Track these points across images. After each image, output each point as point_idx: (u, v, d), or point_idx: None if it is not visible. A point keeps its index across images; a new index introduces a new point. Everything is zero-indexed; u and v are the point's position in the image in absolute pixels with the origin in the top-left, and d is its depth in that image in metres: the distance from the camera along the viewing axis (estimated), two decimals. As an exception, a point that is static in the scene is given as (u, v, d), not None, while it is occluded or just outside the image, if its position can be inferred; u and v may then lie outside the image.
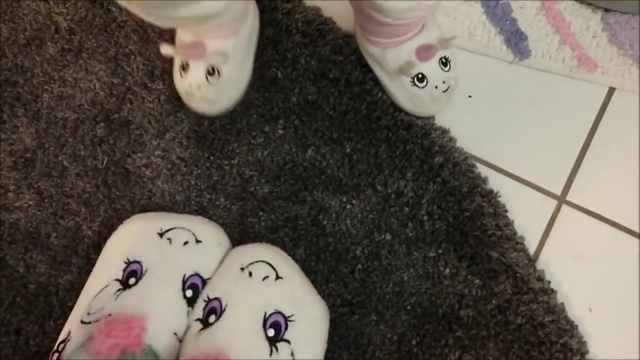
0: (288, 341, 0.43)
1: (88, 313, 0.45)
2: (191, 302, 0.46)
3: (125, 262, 0.46)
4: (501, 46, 0.54)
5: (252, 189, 0.52)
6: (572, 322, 0.47)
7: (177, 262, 0.47)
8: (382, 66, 0.50)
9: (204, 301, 0.45)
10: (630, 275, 0.48)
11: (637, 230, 0.49)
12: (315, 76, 0.53)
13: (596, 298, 0.48)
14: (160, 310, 0.44)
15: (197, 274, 0.47)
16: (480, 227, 0.49)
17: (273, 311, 0.44)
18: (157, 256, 0.47)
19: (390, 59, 0.49)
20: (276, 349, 0.43)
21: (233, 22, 0.48)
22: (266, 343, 0.43)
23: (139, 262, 0.46)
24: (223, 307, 0.44)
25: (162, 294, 0.45)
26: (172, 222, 0.49)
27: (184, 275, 0.46)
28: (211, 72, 0.49)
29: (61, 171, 0.54)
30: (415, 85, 0.49)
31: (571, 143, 0.52)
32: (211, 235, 0.49)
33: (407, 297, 0.48)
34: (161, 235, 0.48)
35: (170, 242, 0.47)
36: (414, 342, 0.47)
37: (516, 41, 0.53)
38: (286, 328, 0.44)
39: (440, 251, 0.49)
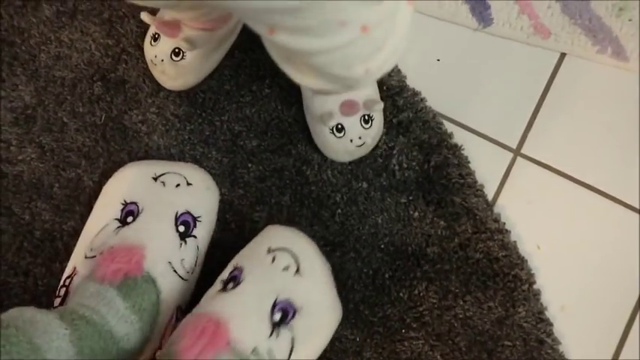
0: (291, 330, 0.46)
1: (91, 249, 0.49)
2: (183, 236, 0.50)
3: (122, 204, 0.51)
4: (467, 14, 0.59)
5: (242, 143, 0.57)
6: (523, 257, 0.54)
7: (170, 201, 0.51)
8: (308, 107, 0.53)
9: (233, 266, 0.49)
10: (574, 218, 0.56)
11: (581, 179, 0.56)
12: (299, 39, 0.58)
13: (544, 237, 0.55)
14: (156, 241, 0.49)
15: (188, 212, 0.51)
16: (446, 176, 0.55)
17: (284, 299, 0.46)
18: (151, 197, 0.51)
19: (316, 104, 0.52)
20: (277, 334, 0.45)
21: (210, 22, 0.52)
22: (268, 325, 0.45)
23: (135, 203, 0.50)
24: (242, 279, 0.47)
25: (158, 227, 0.49)
26: (165, 168, 0.53)
27: (177, 212, 0.50)
28: (177, 52, 0.54)
29: (61, 126, 0.57)
30: (333, 133, 0.52)
31: (526, 102, 0.58)
32: (200, 179, 0.54)
33: (381, 237, 0.54)
34: (155, 179, 0.52)
35: (164, 185, 0.52)
36: (386, 276, 0.53)
37: (480, 10, 0.59)
38: (293, 317, 0.46)
39: (410, 197, 0.55)
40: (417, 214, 0.55)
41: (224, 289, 0.47)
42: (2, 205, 0.55)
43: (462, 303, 0.53)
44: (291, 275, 0.47)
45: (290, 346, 0.46)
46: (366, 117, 0.52)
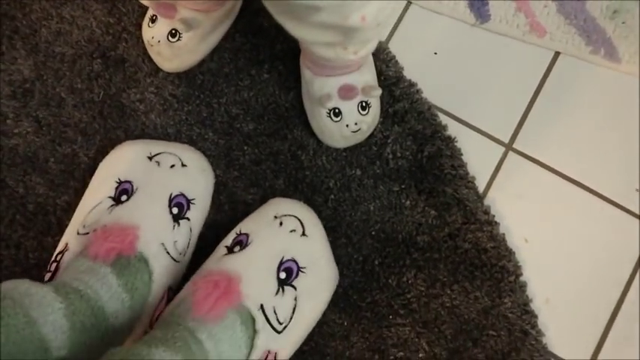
0: (294, 287, 0.48)
1: (84, 226, 0.49)
2: (176, 218, 0.50)
3: (117, 182, 0.51)
4: (465, 10, 0.60)
5: (238, 125, 0.57)
6: (511, 249, 0.55)
7: (165, 182, 0.51)
8: (308, 90, 0.54)
9: (236, 233, 0.50)
10: (561, 213, 0.57)
11: (570, 175, 0.57)
12: (299, 26, 0.58)
13: (532, 231, 0.56)
14: (150, 222, 0.49)
15: (182, 194, 0.51)
16: (438, 167, 0.56)
17: (289, 258, 0.48)
18: (146, 176, 0.51)
19: (315, 86, 0.52)
20: (283, 291, 0.47)
21: (205, 3, 0.53)
22: (275, 282, 0.47)
23: (130, 182, 0.51)
24: (249, 242, 0.49)
25: (152, 208, 0.50)
26: (161, 147, 0.53)
27: (171, 194, 0.51)
28: (174, 33, 0.54)
29: (59, 102, 0.58)
30: (330, 117, 0.53)
31: (520, 98, 0.59)
32: (196, 161, 0.54)
33: (372, 224, 0.55)
34: (150, 158, 0.52)
35: (158, 165, 0.52)
36: (376, 262, 0.54)
37: (478, 6, 0.60)
38: (297, 276, 0.48)
39: (402, 186, 0.56)
40: (408, 202, 0.55)
41: (230, 252, 0.49)
42: (-4, 176, 0.55)
43: (449, 292, 0.53)
44: (298, 236, 0.49)
45: (293, 305, 0.48)
46: (364, 103, 0.53)
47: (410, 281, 0.54)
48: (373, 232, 0.55)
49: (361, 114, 0.53)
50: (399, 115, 0.57)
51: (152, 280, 0.48)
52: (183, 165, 0.53)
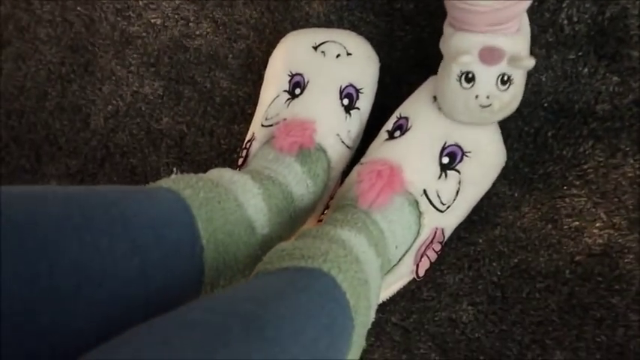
0: (458, 172, 0.48)
1: (266, 119, 0.54)
2: (348, 109, 0.53)
3: (289, 75, 0.54)
4: None
5: (399, 6, 0.57)
6: None
7: (333, 74, 0.53)
8: (445, 44, 0.47)
9: (397, 117, 0.51)
10: None
11: None
12: None
13: None
14: (325, 115, 0.52)
15: (351, 85, 0.53)
16: (623, 29, 0.51)
17: (452, 143, 0.48)
18: (314, 68, 0.53)
19: (453, 40, 0.45)
20: (446, 176, 0.48)
21: None
22: (438, 168, 0.48)
23: (301, 75, 0.53)
24: (409, 127, 0.50)
25: (325, 101, 0.52)
26: (324, 36, 0.55)
27: (340, 86, 0.53)
28: None
29: (231, 1, 0.62)
30: (459, 81, 0.45)
31: None
32: (360, 47, 0.55)
33: (544, 95, 0.53)
34: (315, 48, 0.54)
35: (324, 55, 0.54)
36: (549, 134, 0.53)
37: None
38: (461, 160, 0.48)
39: (580, 53, 0.52)
40: (586, 70, 0.52)
41: (391, 137, 0.50)
42: (187, 75, 0.63)
43: (632, 162, 0.51)
44: None
45: (457, 188, 0.48)
46: (505, 78, 0.45)
47: (587, 152, 0.52)
48: (546, 104, 0.53)
49: (499, 88, 0.45)
50: (575, -25, 0.52)
51: (330, 167, 0.52)
52: (348, 54, 0.54)
